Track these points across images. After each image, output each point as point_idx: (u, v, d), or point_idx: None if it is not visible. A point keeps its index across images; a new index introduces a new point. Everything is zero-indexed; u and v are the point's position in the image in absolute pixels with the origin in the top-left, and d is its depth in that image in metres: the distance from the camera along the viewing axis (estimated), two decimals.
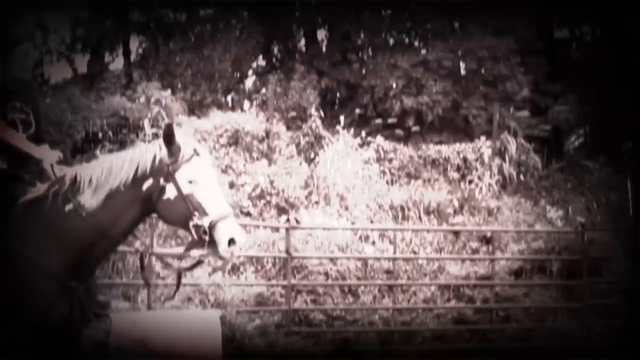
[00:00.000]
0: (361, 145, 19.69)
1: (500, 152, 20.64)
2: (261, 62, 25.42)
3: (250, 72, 24.63)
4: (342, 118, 20.39)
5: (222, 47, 22.54)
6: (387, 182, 19.70)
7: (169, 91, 19.91)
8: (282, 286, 14.60)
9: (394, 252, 15.70)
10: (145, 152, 5.54)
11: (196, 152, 5.58)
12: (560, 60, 25.14)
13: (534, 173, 20.89)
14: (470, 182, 20.01)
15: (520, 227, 18.36)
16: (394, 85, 22.18)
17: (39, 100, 6.83)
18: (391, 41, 24.48)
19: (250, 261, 15.55)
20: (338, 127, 19.83)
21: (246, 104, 21.82)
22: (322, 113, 20.98)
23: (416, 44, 24.53)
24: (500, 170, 20.33)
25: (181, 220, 5.48)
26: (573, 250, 16.70)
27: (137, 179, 5.46)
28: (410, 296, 15.98)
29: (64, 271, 5.45)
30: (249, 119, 19.60)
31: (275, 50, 25.75)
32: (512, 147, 20.68)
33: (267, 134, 19.54)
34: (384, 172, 19.89)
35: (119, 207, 5.48)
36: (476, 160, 20.28)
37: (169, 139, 5.50)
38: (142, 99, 19.22)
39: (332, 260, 15.95)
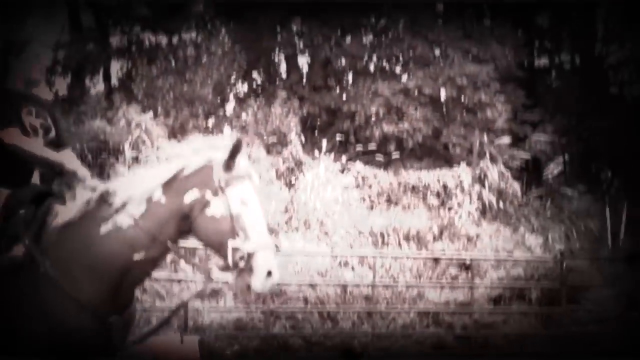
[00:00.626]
0: (341, 171, 19.70)
1: (480, 179, 20.69)
2: (242, 87, 25.43)
3: (231, 96, 24.63)
4: (322, 144, 20.39)
5: (204, 72, 22.52)
6: (367, 208, 19.72)
7: (150, 115, 19.86)
8: (261, 311, 14.56)
9: (374, 278, 15.70)
10: (191, 162, 5.27)
11: (249, 175, 5.37)
12: (540, 88, 25.34)
13: (513, 200, 20.94)
14: (450, 209, 20.03)
15: (500, 254, 18.38)
16: (375, 112, 22.24)
17: (52, 103, 6.54)
18: (372, 68, 24.56)
19: (230, 286, 15.49)
20: (318, 153, 19.84)
21: (227, 128, 21.77)
22: (302, 138, 21.01)
23: (397, 70, 24.61)
24: (480, 198, 20.37)
25: (220, 240, 5.14)
26: (552, 278, 16.75)
27: (180, 190, 5.17)
28: (390, 322, 15.93)
29: (101, 303, 5.15)
30: (230, 144, 19.55)
31: (257, 75, 25.79)
32: (492, 174, 20.74)
33: (248, 158, 19.50)
34: (363, 198, 19.91)
35: (159, 222, 5.18)
36: (456, 187, 20.32)
37: (235, 154, 5.27)
38: (123, 123, 19.16)
39: (312, 285, 15.90)
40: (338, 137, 22.50)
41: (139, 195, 5.23)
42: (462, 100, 22.69)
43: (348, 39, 24.27)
